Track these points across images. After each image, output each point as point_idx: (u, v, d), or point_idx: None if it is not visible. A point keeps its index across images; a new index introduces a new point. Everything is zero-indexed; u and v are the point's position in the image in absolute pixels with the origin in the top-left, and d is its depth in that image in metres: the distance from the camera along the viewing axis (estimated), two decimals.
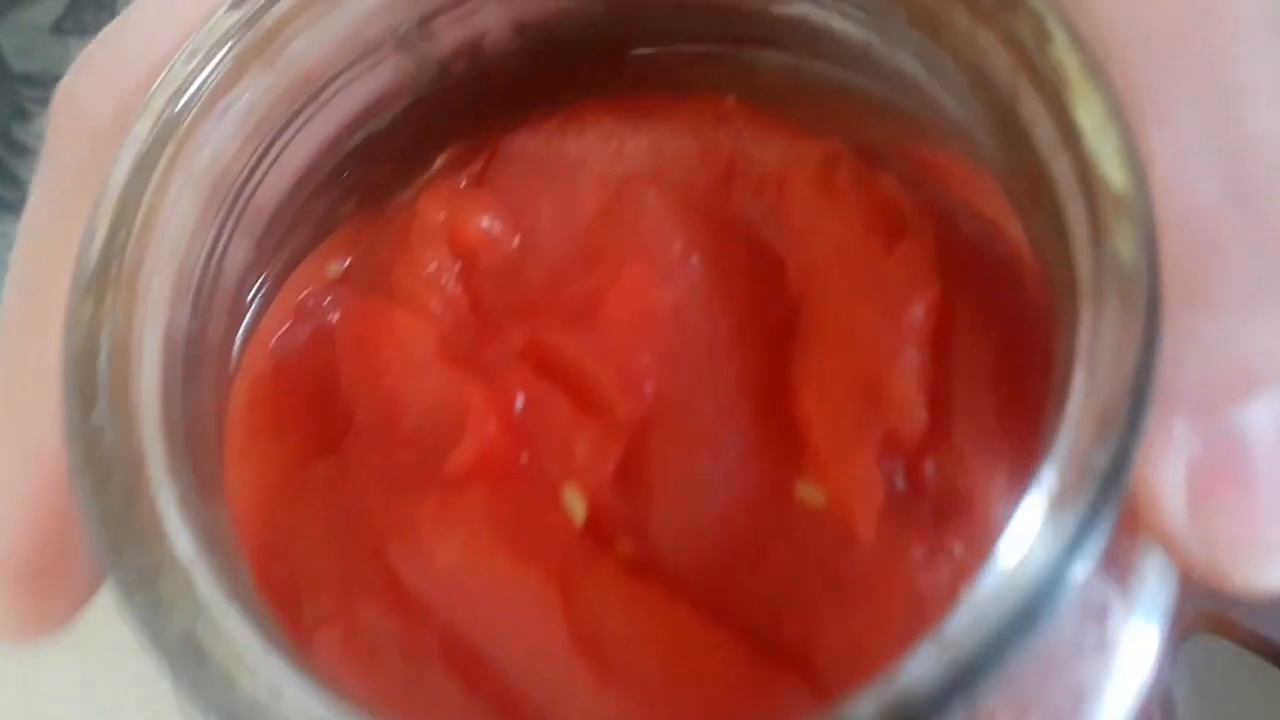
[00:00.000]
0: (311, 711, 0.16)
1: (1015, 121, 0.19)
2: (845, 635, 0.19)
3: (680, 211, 0.23)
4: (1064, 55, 0.18)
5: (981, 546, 0.20)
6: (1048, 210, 0.19)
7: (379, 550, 0.21)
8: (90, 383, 0.18)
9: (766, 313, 0.22)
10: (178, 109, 0.20)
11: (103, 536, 0.17)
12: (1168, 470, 0.17)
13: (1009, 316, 0.21)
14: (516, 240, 0.23)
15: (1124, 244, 0.17)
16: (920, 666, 0.15)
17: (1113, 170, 0.17)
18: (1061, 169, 0.18)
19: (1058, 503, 0.16)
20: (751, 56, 0.25)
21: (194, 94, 0.20)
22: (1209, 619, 0.26)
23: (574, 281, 0.22)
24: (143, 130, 0.19)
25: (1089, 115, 0.18)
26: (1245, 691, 0.26)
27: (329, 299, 0.24)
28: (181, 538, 0.17)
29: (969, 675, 0.15)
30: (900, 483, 0.20)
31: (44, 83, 0.50)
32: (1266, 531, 0.17)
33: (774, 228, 0.22)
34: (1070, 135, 0.18)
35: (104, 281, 0.19)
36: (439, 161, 0.26)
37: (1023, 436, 0.20)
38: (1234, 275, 0.18)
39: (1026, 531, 0.16)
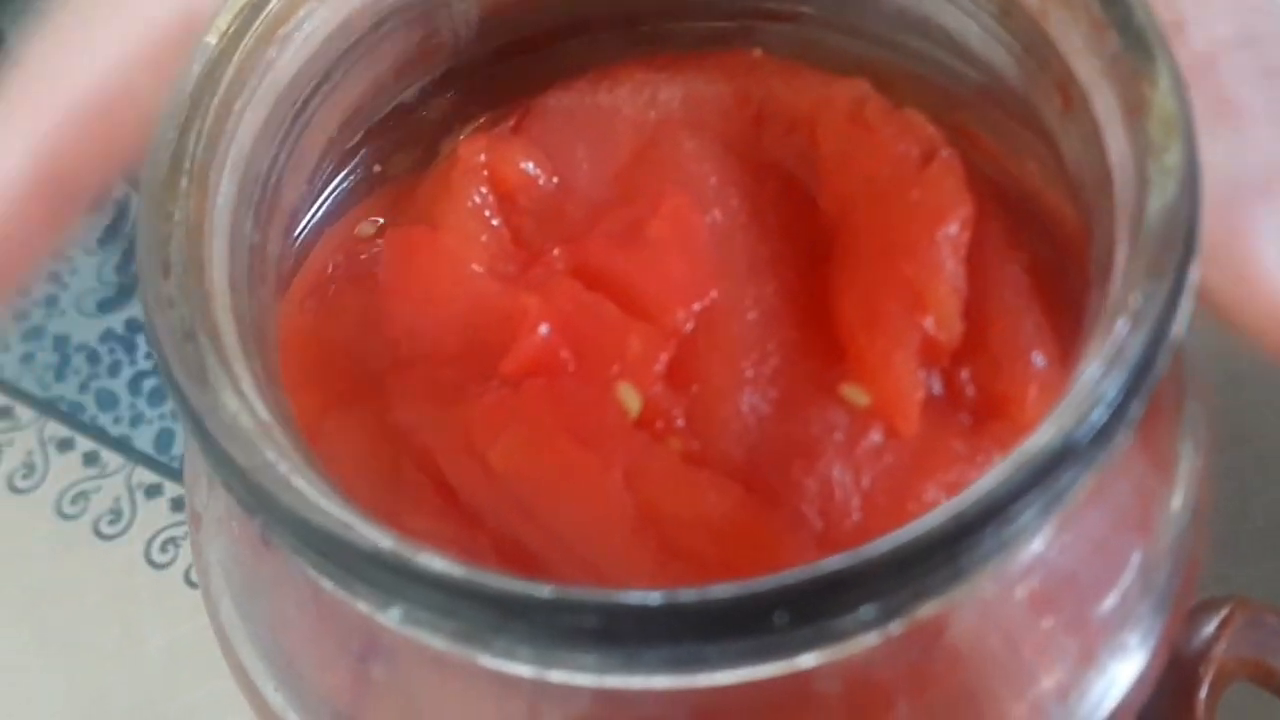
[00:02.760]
0: (383, 537, 0.16)
1: (1044, 37, 0.20)
2: (890, 524, 0.20)
3: (715, 153, 0.24)
4: None
5: (1018, 444, 0.20)
6: (1079, 114, 0.20)
7: (427, 463, 0.21)
8: (165, 257, 0.18)
9: (802, 239, 0.23)
10: (243, 28, 0.21)
11: (188, 386, 0.17)
12: (1263, 247, 0.18)
13: (1039, 241, 0.22)
14: (555, 181, 0.24)
15: (1162, 109, 0.18)
16: (950, 509, 0.16)
17: (1145, 60, 0.18)
18: (1090, 67, 0.19)
19: (1098, 374, 0.17)
20: (771, 30, 0.26)
21: (260, 14, 0.21)
22: (1249, 666, 0.26)
23: (615, 212, 0.23)
24: (210, 42, 0.20)
25: (1116, 14, 0.19)
26: None
27: (368, 250, 0.25)
28: (259, 405, 0.17)
29: (993, 519, 0.16)
30: (938, 387, 0.21)
31: None
32: None
33: (806, 166, 0.23)
34: (1098, 31, 0.19)
35: (177, 172, 0.19)
36: (471, 127, 0.26)
37: (1057, 347, 0.21)
38: (1262, 96, 0.19)
39: (1066, 403, 0.17)
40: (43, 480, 0.41)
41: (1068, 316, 0.21)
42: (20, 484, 0.41)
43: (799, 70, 0.24)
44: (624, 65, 0.25)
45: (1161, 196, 0.17)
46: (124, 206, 0.46)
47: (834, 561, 0.15)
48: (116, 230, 0.46)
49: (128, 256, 0.45)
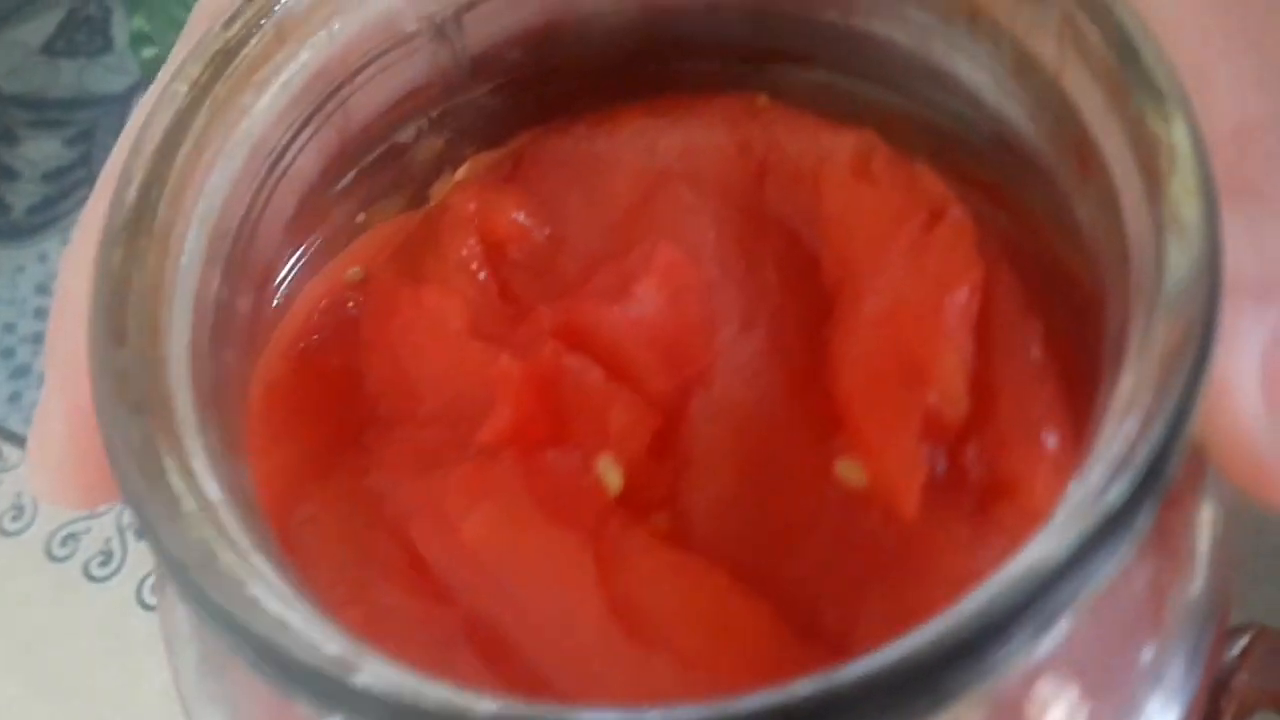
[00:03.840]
0: (337, 640, 0.15)
1: (1061, 96, 0.19)
2: (885, 617, 0.19)
3: (713, 205, 0.23)
4: (1115, 10, 0.18)
5: (1025, 530, 0.19)
6: (1096, 181, 0.19)
7: (400, 533, 0.20)
8: (120, 323, 0.17)
9: (802, 300, 0.22)
10: (216, 73, 0.20)
11: (130, 470, 0.16)
12: (1237, 359, 0.17)
13: (1053, 306, 0.21)
14: (547, 233, 0.23)
15: (1184, 198, 0.17)
16: (929, 633, 0.14)
17: (1166, 126, 0.17)
18: (1111, 134, 0.18)
19: (1103, 482, 0.16)
20: (782, 71, 0.25)
21: (233, 61, 0.20)
22: (1271, 696, 0.25)
23: (607, 267, 0.22)
24: (180, 90, 0.19)
25: (1139, 75, 0.18)
26: None
27: (352, 300, 0.24)
28: (209, 482, 0.17)
29: (978, 646, 0.15)
30: (941, 466, 0.20)
31: (34, 105, 0.48)
32: None
33: (809, 221, 0.22)
34: (1121, 97, 0.18)
35: (137, 231, 0.18)
36: (464, 169, 0.25)
37: (1070, 425, 0.20)
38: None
39: (1067, 510, 0.16)
40: (32, 522, 0.40)
41: (1086, 388, 0.19)
42: (9, 526, 0.40)
43: (805, 119, 0.23)
44: (624, 109, 0.24)
45: (1178, 281, 0.16)
46: None
47: (805, 686, 0.14)
48: None
49: None
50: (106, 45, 0.49)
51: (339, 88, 0.22)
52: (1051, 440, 0.20)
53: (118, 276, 0.18)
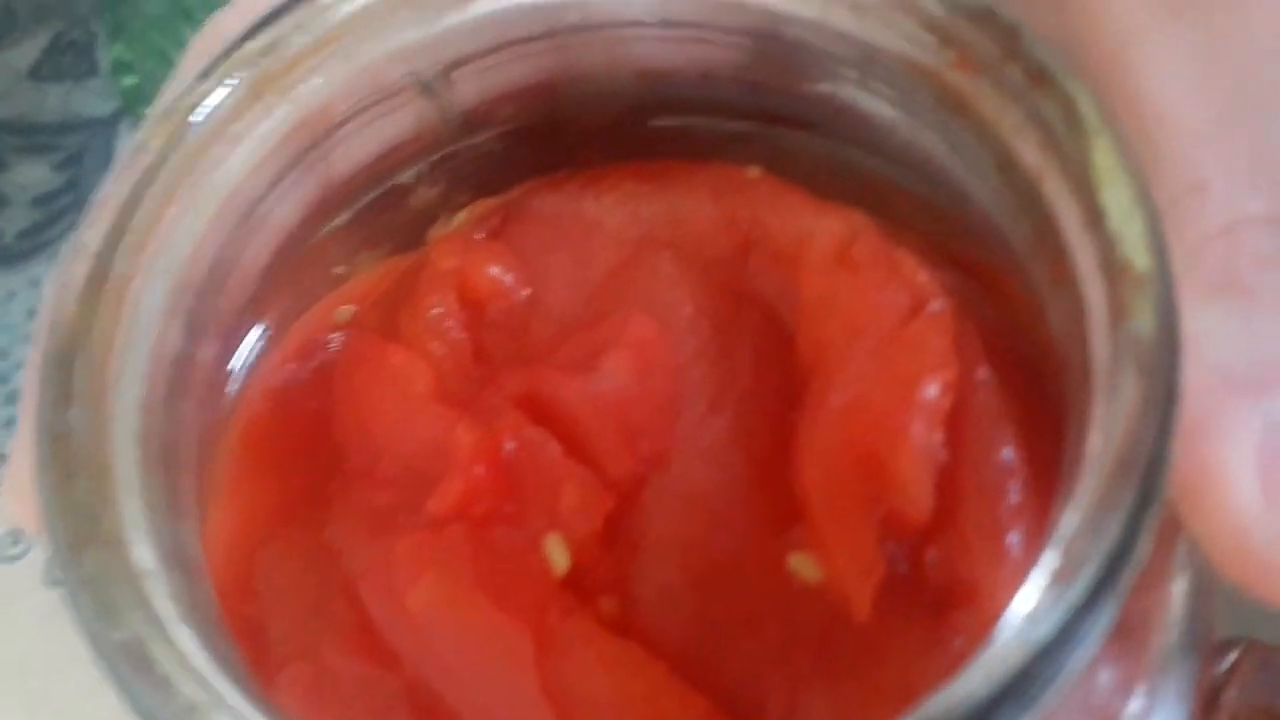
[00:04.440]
0: None
1: (1040, 202, 0.19)
2: (829, 716, 0.18)
3: (693, 278, 0.22)
4: (1093, 138, 0.18)
5: (982, 639, 0.19)
6: (1067, 292, 0.18)
7: (352, 591, 0.20)
8: (67, 383, 0.17)
9: (773, 384, 0.21)
10: (189, 126, 0.20)
11: (59, 535, 0.16)
12: (1233, 451, 0.16)
13: (1027, 409, 0.21)
14: (526, 293, 0.23)
15: (1144, 324, 0.16)
16: None
17: (1137, 254, 0.17)
18: (1084, 251, 0.18)
19: (1059, 578, 0.16)
20: (776, 136, 0.25)
21: (207, 114, 0.20)
22: (1261, 713, 0.25)
23: (579, 337, 0.22)
24: (151, 141, 0.19)
25: (1115, 199, 0.17)
26: None
27: (330, 343, 0.24)
28: (143, 547, 0.16)
29: None
30: (901, 566, 0.19)
31: (22, 130, 0.48)
32: None
33: (787, 301, 0.22)
34: (1095, 217, 0.17)
35: (95, 285, 0.18)
36: (459, 217, 0.25)
37: (1034, 531, 0.19)
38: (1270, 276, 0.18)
39: (1024, 609, 0.16)
40: (30, 549, 0.40)
41: (1054, 490, 0.19)
42: (8, 552, 0.41)
43: (794, 195, 0.23)
44: (614, 170, 0.24)
45: (1127, 425, 0.15)
46: None
47: None
48: None
49: None
50: (92, 69, 0.49)
51: (318, 142, 0.22)
52: (1015, 545, 0.19)
53: (70, 332, 0.18)
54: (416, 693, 0.19)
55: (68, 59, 0.49)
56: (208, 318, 0.20)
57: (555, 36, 0.22)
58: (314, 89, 0.21)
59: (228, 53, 0.20)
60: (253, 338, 0.23)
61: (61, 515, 0.16)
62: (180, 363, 0.19)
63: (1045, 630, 0.15)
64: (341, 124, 0.22)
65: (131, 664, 0.15)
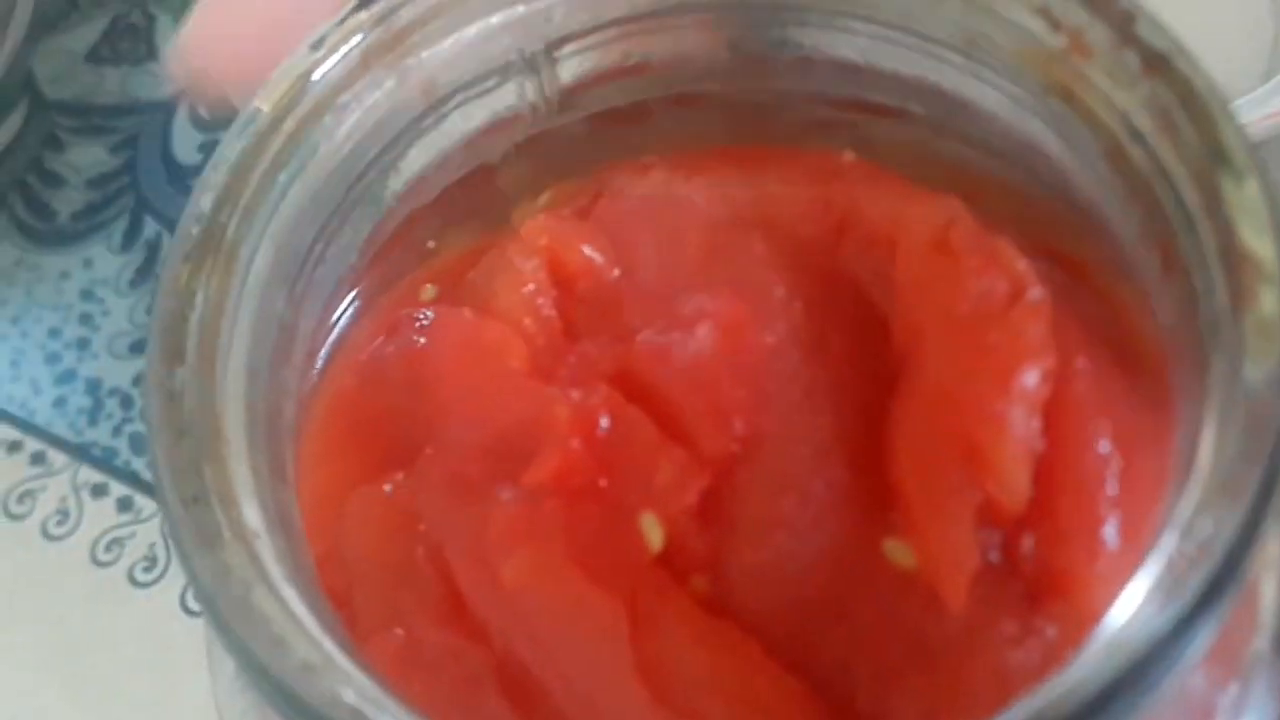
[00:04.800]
0: (349, 690, 0.15)
1: (1153, 189, 0.18)
2: (922, 706, 0.18)
3: (785, 260, 0.22)
4: (1214, 124, 0.18)
5: (1078, 632, 0.19)
6: (1180, 280, 0.18)
7: (445, 566, 0.20)
8: (178, 342, 0.17)
9: (867, 367, 0.21)
10: (298, 95, 0.20)
11: (171, 492, 0.16)
12: None
13: (1119, 400, 0.20)
14: (616, 273, 0.23)
15: (1270, 309, 0.16)
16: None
17: (1260, 240, 0.17)
18: (1202, 237, 0.17)
19: (1167, 585, 0.15)
20: (867, 122, 0.25)
21: (316, 83, 0.20)
22: None
23: (670, 316, 0.22)
24: (262, 108, 0.19)
25: (1237, 185, 0.17)
26: None
27: (421, 319, 0.24)
28: (251, 508, 0.17)
29: None
30: (994, 555, 0.19)
31: (78, 111, 0.48)
32: None
33: (881, 286, 0.22)
34: (1215, 204, 0.17)
35: (205, 249, 0.18)
36: (543, 198, 0.25)
37: (1133, 522, 0.19)
38: None
39: (1129, 611, 0.15)
40: (76, 527, 0.40)
41: (1157, 491, 0.19)
42: (54, 531, 0.41)
43: (890, 180, 0.23)
44: (707, 152, 0.24)
45: (1248, 410, 0.15)
46: (155, 246, 0.46)
47: None
48: (148, 272, 0.45)
49: None
50: (150, 53, 0.50)
51: (424, 114, 0.22)
52: (1112, 540, 0.19)
53: (182, 293, 0.18)
54: (505, 666, 0.19)
55: (125, 43, 0.49)
56: (310, 286, 0.20)
57: (658, 16, 0.22)
58: (421, 62, 0.21)
59: (341, 21, 0.20)
60: (345, 310, 0.23)
61: (173, 472, 0.16)
62: (284, 329, 0.19)
63: (1165, 622, 0.14)
64: (446, 98, 0.22)
65: (246, 621, 0.15)
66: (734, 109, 0.25)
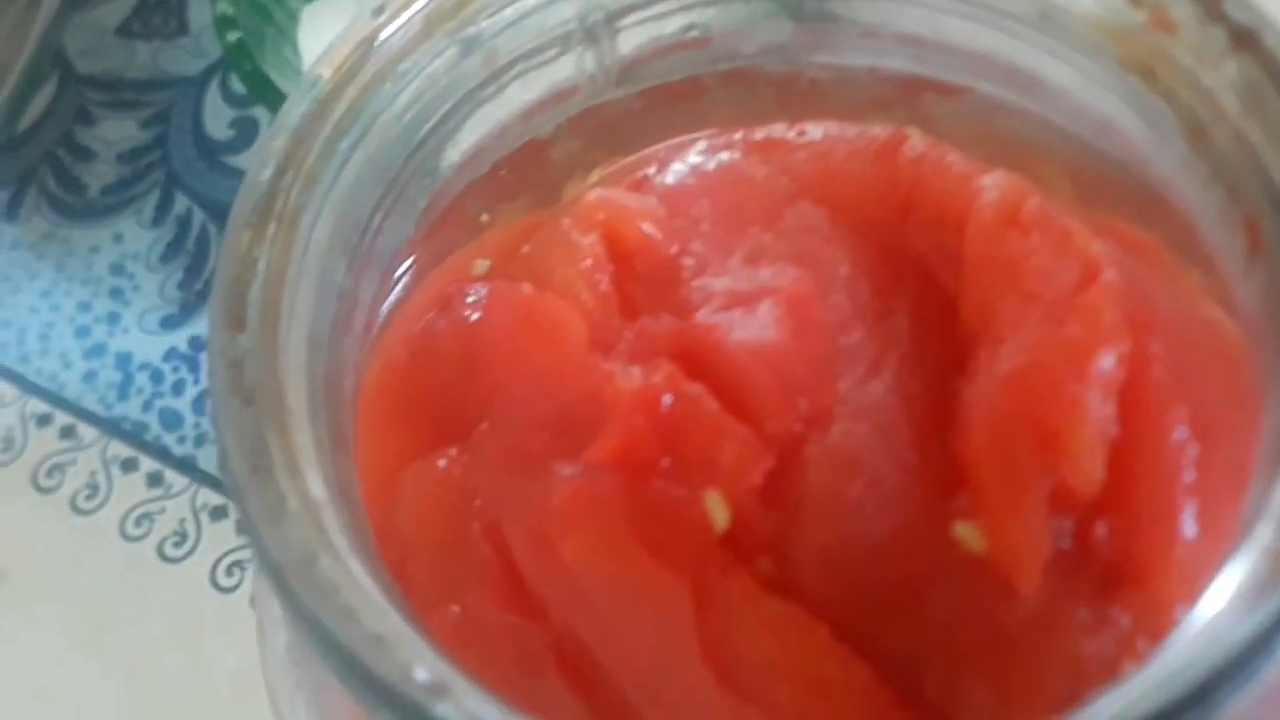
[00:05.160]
0: (420, 664, 0.14)
1: (1237, 168, 0.18)
2: (993, 694, 0.18)
3: (849, 236, 0.22)
4: None
5: (1152, 620, 0.18)
6: (1265, 261, 0.17)
7: (501, 542, 0.20)
8: (240, 310, 0.17)
9: (934, 346, 0.21)
10: (360, 61, 0.19)
11: (236, 460, 0.16)
12: None
13: (1199, 384, 0.20)
14: (674, 248, 0.22)
15: None
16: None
17: None
18: None
19: (1265, 576, 0.15)
20: (931, 100, 0.24)
21: (378, 50, 0.20)
22: None
23: (731, 292, 0.21)
24: (323, 74, 0.19)
25: None
26: None
27: (474, 294, 0.23)
28: (315, 479, 0.16)
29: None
30: (1066, 541, 0.19)
31: (109, 85, 0.48)
32: None
33: (948, 263, 0.21)
34: None
35: (267, 215, 0.18)
36: (595, 173, 0.25)
37: (1211, 511, 0.19)
38: None
39: (1224, 602, 0.15)
40: (106, 501, 0.40)
41: (1235, 479, 0.18)
42: (84, 505, 0.40)
43: (956, 156, 0.22)
44: (766, 127, 0.24)
45: None
46: (185, 222, 0.45)
47: None
48: (179, 246, 0.45)
49: (190, 273, 0.44)
50: (182, 28, 0.49)
51: (483, 84, 0.21)
52: (1189, 529, 0.19)
53: (243, 260, 0.17)
54: (563, 644, 0.19)
55: (157, 17, 0.49)
56: (370, 257, 0.20)
57: None
58: (482, 30, 0.20)
59: None
60: (398, 281, 0.23)
61: (239, 440, 0.16)
62: (344, 299, 0.19)
63: (1269, 613, 0.14)
64: (505, 68, 0.21)
65: (315, 593, 0.15)
66: (788, 85, 0.25)
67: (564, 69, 0.22)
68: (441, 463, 0.21)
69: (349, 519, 0.17)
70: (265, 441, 0.16)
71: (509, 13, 0.21)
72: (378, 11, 0.20)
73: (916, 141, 0.23)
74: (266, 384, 0.17)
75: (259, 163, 0.18)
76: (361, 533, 0.17)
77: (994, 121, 0.24)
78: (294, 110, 0.19)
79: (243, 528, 0.16)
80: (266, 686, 0.21)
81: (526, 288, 0.22)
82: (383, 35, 0.20)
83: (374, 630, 0.15)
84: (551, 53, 0.22)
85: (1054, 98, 0.22)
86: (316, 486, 0.16)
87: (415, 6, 0.20)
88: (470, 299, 0.23)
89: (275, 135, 0.19)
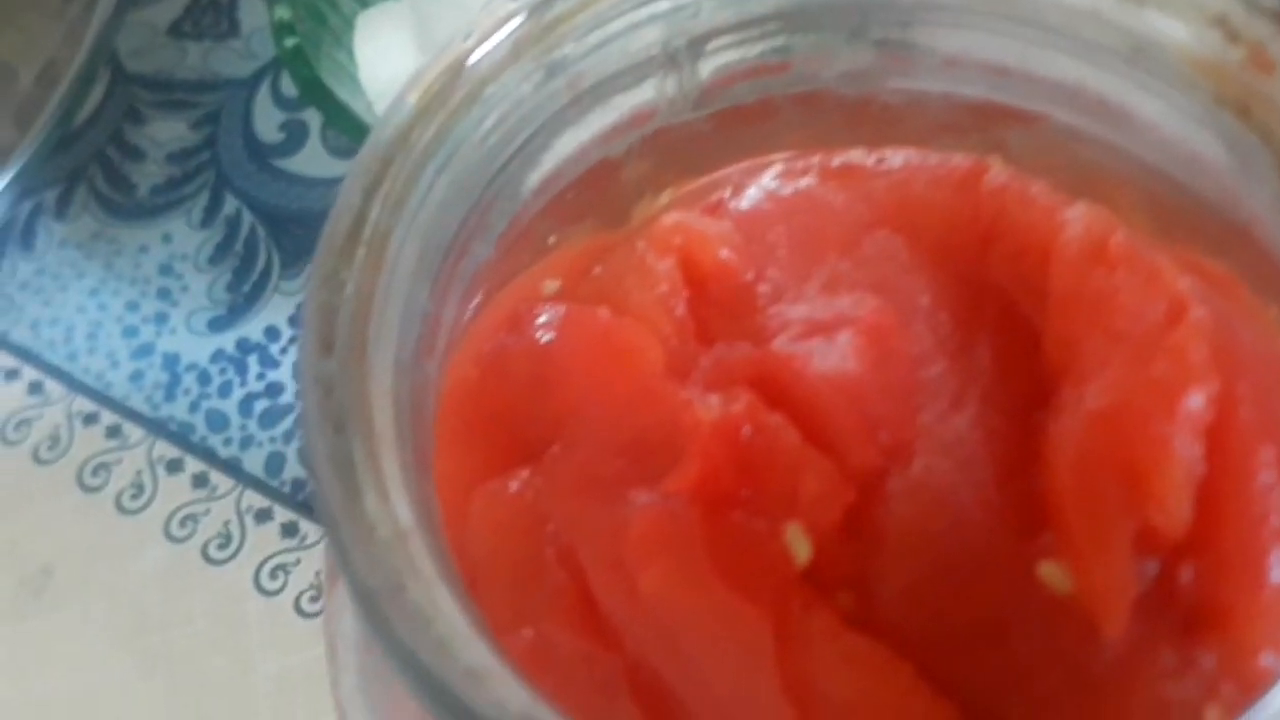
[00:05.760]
0: (514, 698, 0.14)
1: None
2: None
3: (931, 265, 0.22)
4: None
5: (1237, 664, 0.18)
6: None
7: (576, 567, 0.20)
8: (329, 333, 0.17)
9: (1017, 380, 0.20)
10: (448, 85, 0.19)
11: (330, 485, 0.16)
12: None
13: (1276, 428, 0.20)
14: (750, 274, 0.22)
15: None
16: None
17: None
18: None
19: None
20: (1004, 129, 0.24)
21: (466, 74, 0.20)
22: None
23: (809, 321, 0.21)
24: (411, 100, 0.19)
25: None
26: None
27: (546, 314, 0.23)
28: (402, 504, 0.16)
29: None
30: (1151, 583, 0.19)
31: (159, 85, 0.49)
32: None
33: (1033, 298, 0.21)
34: None
35: (355, 239, 0.18)
36: (665, 195, 0.25)
37: None
38: None
39: None
40: (151, 501, 0.40)
41: None
42: (129, 505, 0.40)
43: (1039, 187, 0.22)
44: (843, 153, 0.23)
45: None
46: (235, 223, 0.46)
47: None
48: (227, 248, 0.45)
49: (238, 275, 0.44)
50: (233, 29, 0.49)
51: (566, 107, 0.21)
52: (1276, 572, 0.18)
53: (332, 283, 0.17)
54: (638, 672, 0.19)
55: (208, 18, 0.49)
56: (451, 278, 0.20)
57: (805, 13, 0.22)
58: (567, 55, 0.20)
59: (491, 9, 0.19)
60: (474, 304, 0.23)
61: (333, 466, 0.16)
62: (427, 322, 0.19)
63: None
64: (588, 91, 0.21)
65: (407, 622, 0.15)
66: (860, 108, 0.24)
67: (645, 93, 0.22)
68: (514, 485, 0.21)
69: (434, 544, 0.16)
70: (355, 469, 0.16)
71: (594, 37, 0.21)
72: (466, 36, 0.20)
73: (998, 171, 0.22)
74: (355, 409, 0.17)
75: (349, 186, 0.18)
76: (445, 558, 0.17)
77: (1068, 149, 0.23)
78: (383, 133, 0.19)
79: (335, 555, 0.16)
80: (336, 708, 0.21)
81: (603, 311, 0.22)
82: (472, 59, 0.19)
83: (468, 663, 0.14)
84: (634, 77, 0.22)
85: (1140, 130, 0.21)
86: (404, 512, 0.16)
87: (504, 30, 0.20)
88: (542, 319, 0.23)
89: (364, 159, 0.18)
